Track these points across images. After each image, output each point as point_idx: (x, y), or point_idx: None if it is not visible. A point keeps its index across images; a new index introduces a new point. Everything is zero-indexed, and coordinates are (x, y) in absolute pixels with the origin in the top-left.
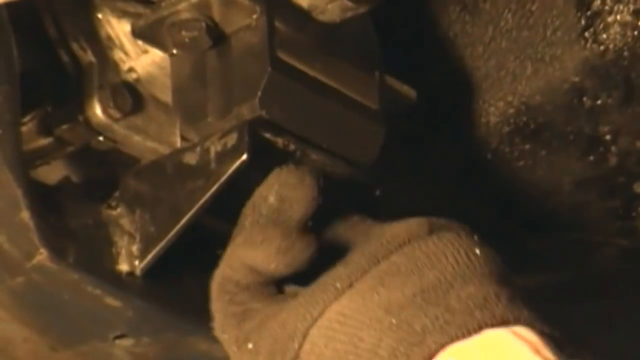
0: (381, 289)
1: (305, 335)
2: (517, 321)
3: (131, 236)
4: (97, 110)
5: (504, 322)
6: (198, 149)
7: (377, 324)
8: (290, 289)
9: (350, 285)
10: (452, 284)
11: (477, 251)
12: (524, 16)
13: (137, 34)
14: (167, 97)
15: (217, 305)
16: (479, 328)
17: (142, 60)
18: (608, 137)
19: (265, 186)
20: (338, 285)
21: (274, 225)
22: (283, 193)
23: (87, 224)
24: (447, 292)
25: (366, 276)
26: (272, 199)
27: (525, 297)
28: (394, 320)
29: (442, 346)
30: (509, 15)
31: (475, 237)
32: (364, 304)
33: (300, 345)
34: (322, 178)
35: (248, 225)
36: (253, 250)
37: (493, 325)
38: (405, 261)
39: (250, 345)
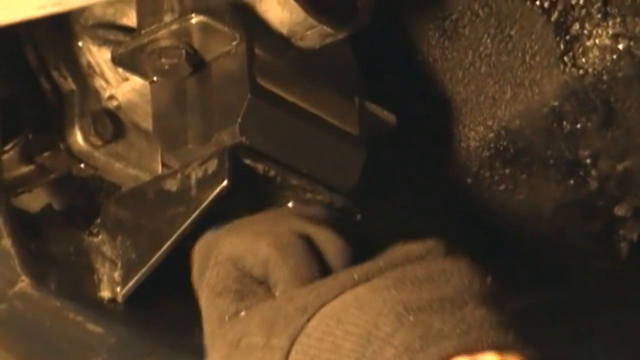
0: (399, 288)
1: (315, 312)
2: (523, 348)
3: (113, 263)
4: (78, 138)
5: (513, 348)
6: (179, 175)
7: (393, 316)
8: None
9: (368, 280)
10: (467, 302)
11: (489, 279)
12: (502, 41)
13: (117, 61)
14: (147, 124)
15: (220, 273)
16: (493, 347)
17: (123, 88)
18: (588, 160)
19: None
20: (356, 276)
21: None
22: None
23: (69, 251)
24: (462, 307)
25: (383, 275)
26: None
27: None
28: (411, 318)
29: (458, 353)
30: (488, 40)
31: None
32: (381, 296)
33: (309, 320)
34: None
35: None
36: (280, 261)
37: (505, 348)
38: (421, 272)
39: (242, 314)
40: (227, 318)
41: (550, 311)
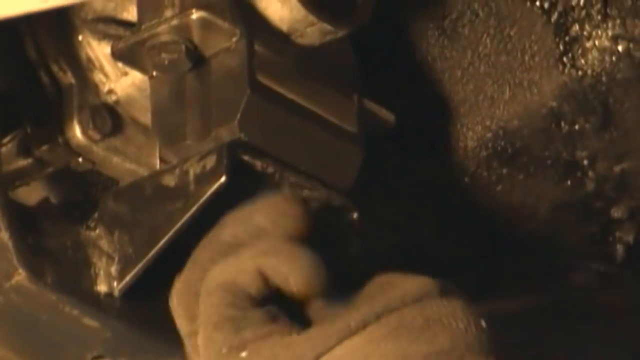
0: (396, 340)
1: None
2: None
3: (110, 257)
4: (77, 132)
5: None
6: (177, 171)
7: None
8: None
9: (364, 328)
10: (464, 354)
11: (483, 323)
12: (502, 41)
13: (117, 56)
14: (146, 119)
15: (214, 302)
16: None
17: (122, 82)
18: (585, 162)
19: (254, 211)
20: (352, 325)
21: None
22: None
23: (66, 244)
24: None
25: (379, 322)
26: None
27: None
28: None
29: None
30: (488, 40)
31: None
32: (378, 349)
33: None
34: None
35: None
36: (278, 263)
37: None
38: (417, 317)
39: (244, 354)
40: (224, 351)
41: (546, 314)
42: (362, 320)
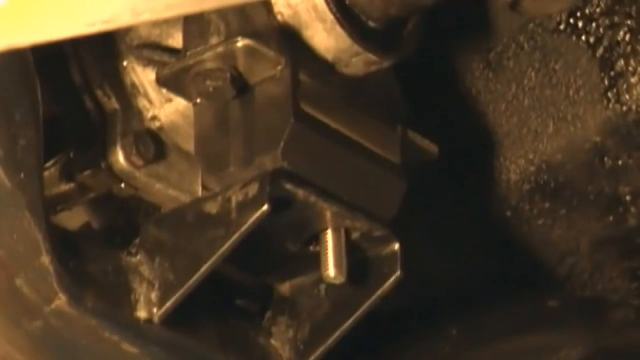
0: None
1: None
2: None
3: (150, 284)
4: (120, 158)
5: None
6: (219, 198)
7: None
8: None
9: None
10: None
11: None
12: (547, 75)
13: (162, 82)
14: (189, 146)
15: None
16: None
17: (166, 109)
18: (628, 197)
19: None
20: None
21: None
22: None
23: (107, 270)
24: None
25: None
26: None
27: None
28: None
29: None
30: (533, 74)
31: None
32: None
33: None
34: None
35: None
36: None
37: None
38: None
39: None
40: None
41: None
42: None
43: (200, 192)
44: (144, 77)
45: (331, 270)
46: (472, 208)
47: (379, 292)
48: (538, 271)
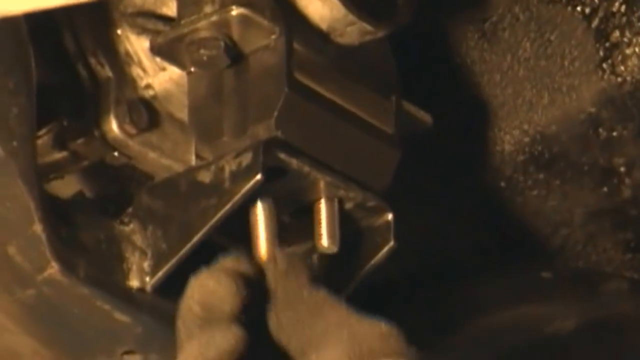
0: None
1: None
2: None
3: (143, 252)
4: (113, 126)
5: None
6: (212, 167)
7: None
8: None
9: None
10: None
11: None
12: (542, 45)
13: (155, 51)
14: (183, 115)
15: None
16: None
17: (160, 77)
18: (622, 169)
19: (188, 297)
20: None
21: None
22: (205, 300)
23: (99, 239)
24: None
25: None
26: (197, 308)
27: None
28: None
29: None
30: (528, 44)
31: None
32: None
33: None
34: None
35: (184, 340)
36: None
37: None
38: None
39: None
40: None
41: (576, 323)
42: None
43: (193, 161)
44: (137, 45)
45: (324, 240)
46: (465, 178)
47: (372, 262)
48: (531, 242)
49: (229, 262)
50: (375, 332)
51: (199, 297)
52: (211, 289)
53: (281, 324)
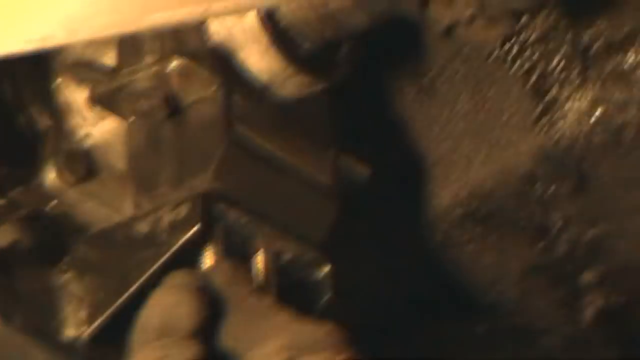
0: None
1: None
2: None
3: (80, 302)
4: (52, 175)
5: None
6: (150, 218)
7: None
8: None
9: None
10: None
11: None
12: (480, 100)
13: (95, 100)
14: (121, 164)
15: None
16: None
17: (99, 127)
18: (558, 225)
19: (149, 309)
20: None
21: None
22: (165, 314)
23: (36, 288)
24: None
25: None
26: (156, 321)
27: None
28: None
29: None
30: (466, 99)
31: None
32: None
33: None
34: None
35: (140, 346)
36: None
37: None
38: None
39: None
40: None
41: None
42: None
43: (131, 210)
44: (77, 95)
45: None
46: (402, 231)
47: (311, 314)
48: (467, 296)
49: (185, 276)
50: (318, 330)
51: (160, 313)
52: (173, 305)
53: (227, 329)
